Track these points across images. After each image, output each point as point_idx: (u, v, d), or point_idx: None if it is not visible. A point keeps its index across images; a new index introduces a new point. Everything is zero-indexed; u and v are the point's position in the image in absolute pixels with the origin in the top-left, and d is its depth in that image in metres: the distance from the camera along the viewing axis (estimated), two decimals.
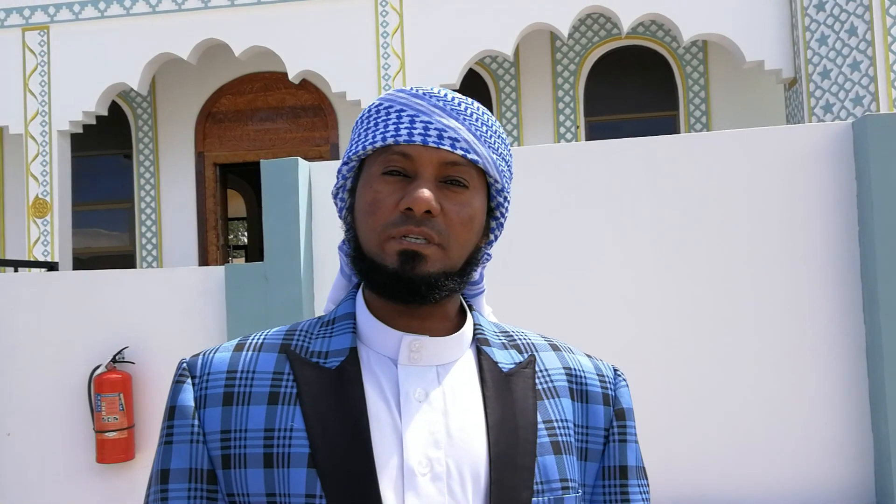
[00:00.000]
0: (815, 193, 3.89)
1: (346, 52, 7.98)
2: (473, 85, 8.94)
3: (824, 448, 3.85)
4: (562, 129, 8.99)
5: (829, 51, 7.11)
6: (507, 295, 4.02)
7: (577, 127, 8.96)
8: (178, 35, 8.21)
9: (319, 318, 0.98)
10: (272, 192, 4.01)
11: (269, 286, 3.97)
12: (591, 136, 9.02)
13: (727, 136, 4.01)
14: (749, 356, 3.90)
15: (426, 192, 0.86)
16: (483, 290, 1.05)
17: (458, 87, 7.97)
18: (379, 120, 0.92)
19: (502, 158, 0.96)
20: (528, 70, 9.09)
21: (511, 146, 8.90)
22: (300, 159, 4.02)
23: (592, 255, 4.00)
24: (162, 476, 0.88)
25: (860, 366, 3.86)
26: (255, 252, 12.29)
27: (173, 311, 4.21)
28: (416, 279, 0.87)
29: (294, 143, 9.41)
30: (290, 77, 8.17)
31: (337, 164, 4.19)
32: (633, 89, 9.05)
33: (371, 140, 0.92)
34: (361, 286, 0.97)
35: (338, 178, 0.98)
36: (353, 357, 0.91)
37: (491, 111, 8.96)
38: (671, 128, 8.85)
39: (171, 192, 9.61)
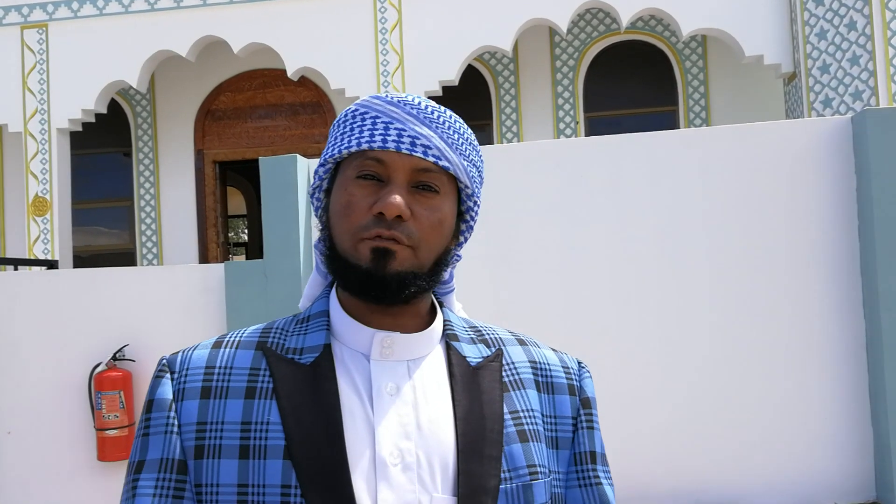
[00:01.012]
0: (814, 188, 3.89)
1: (345, 48, 7.97)
2: (473, 81, 8.93)
3: (824, 443, 3.85)
4: (561, 125, 8.98)
5: (828, 45, 7.11)
6: (508, 290, 4.02)
7: (577, 123, 8.95)
8: (177, 32, 8.21)
9: (295, 315, 1.02)
10: (271, 189, 4.00)
11: (268, 283, 3.97)
12: (590, 131, 9.01)
13: (727, 131, 4.01)
14: (748, 351, 3.90)
15: (397, 198, 0.90)
16: (453, 289, 1.09)
17: (457, 84, 7.97)
18: (355, 125, 0.96)
19: (473, 165, 0.99)
20: (528, 66, 9.08)
21: (510, 142, 8.89)
22: (299, 156, 4.02)
23: (593, 251, 4.00)
24: (136, 467, 0.91)
25: (860, 360, 3.86)
26: (255, 249, 12.29)
27: (173, 309, 4.21)
28: (387, 277, 0.91)
29: (293, 140, 9.40)
30: (289, 74, 8.16)
31: None
32: (633, 84, 9.04)
33: (347, 144, 0.95)
34: (335, 284, 1.02)
35: (314, 178, 1.02)
36: (327, 353, 0.94)
37: (490, 107, 8.99)
38: (671, 123, 8.84)
39: (170, 189, 9.60)
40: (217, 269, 4.18)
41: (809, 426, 3.86)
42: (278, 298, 3.95)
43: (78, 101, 8.34)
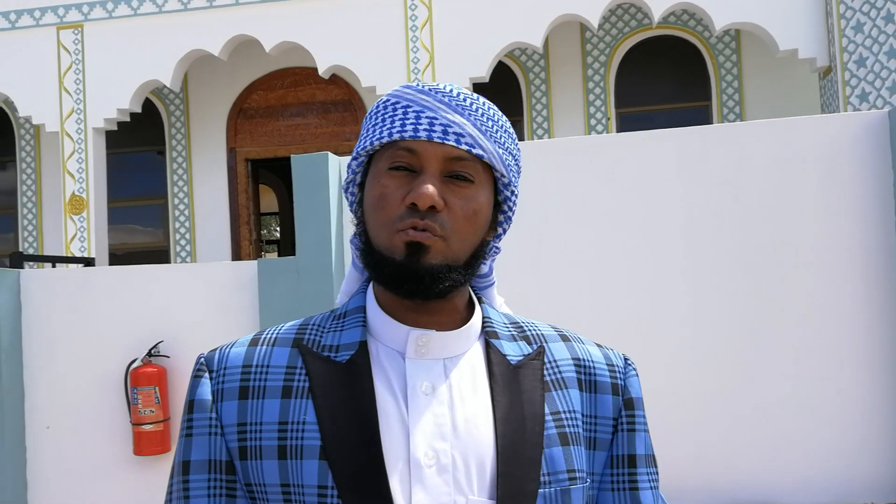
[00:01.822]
0: (850, 184, 3.83)
1: (376, 46, 7.99)
2: (503, 77, 8.91)
3: (860, 441, 3.80)
4: (592, 121, 8.94)
5: (864, 38, 6.99)
6: (538, 287, 4.01)
7: (608, 119, 8.90)
8: (210, 32, 8.29)
9: (332, 311, 1.01)
10: (303, 186, 4.03)
11: (300, 280, 4.00)
12: (621, 127, 8.96)
13: (760, 126, 3.96)
14: (781, 349, 3.86)
15: (430, 188, 0.88)
16: (493, 283, 1.07)
17: (487, 80, 7.96)
18: (386, 116, 0.94)
19: (509, 153, 0.97)
20: (558, 62, 9.04)
21: (541, 138, 8.85)
22: (330, 154, 4.04)
23: (624, 248, 3.98)
24: (183, 468, 0.91)
25: (895, 359, 3.80)
26: (287, 246, 12.38)
27: (207, 305, 4.26)
28: (420, 271, 0.89)
29: (324, 137, 9.46)
30: (320, 72, 8.21)
31: None
32: (665, 80, 8.97)
33: (378, 136, 0.94)
34: (372, 280, 0.99)
35: (347, 172, 1.01)
36: (362, 351, 0.93)
37: (521, 103, 8.97)
38: (704, 118, 8.76)
39: (203, 187, 9.70)
40: (250, 266, 4.22)
41: (845, 424, 3.81)
42: (310, 295, 3.98)
43: (113, 101, 8.45)
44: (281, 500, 0.87)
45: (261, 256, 10.20)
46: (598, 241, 4.00)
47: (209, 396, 0.93)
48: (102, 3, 8.49)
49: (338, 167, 4.14)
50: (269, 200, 13.85)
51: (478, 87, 8.09)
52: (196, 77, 9.64)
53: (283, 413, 0.90)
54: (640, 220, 3.98)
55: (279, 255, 14.33)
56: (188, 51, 8.32)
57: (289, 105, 9.60)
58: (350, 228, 4.12)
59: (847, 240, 3.83)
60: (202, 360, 0.97)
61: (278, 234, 17.21)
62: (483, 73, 7.81)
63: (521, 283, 3.98)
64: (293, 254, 4.14)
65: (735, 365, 3.88)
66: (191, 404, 0.94)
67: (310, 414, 0.89)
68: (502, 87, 8.87)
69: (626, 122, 8.99)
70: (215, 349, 0.98)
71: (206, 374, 0.95)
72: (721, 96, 8.74)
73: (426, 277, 0.89)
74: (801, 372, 3.84)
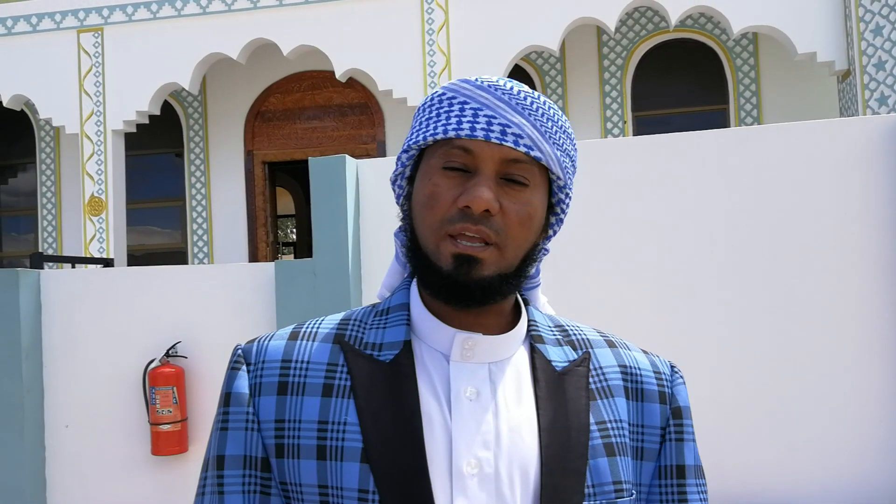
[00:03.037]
0: (869, 188, 3.81)
1: (392, 49, 8.02)
2: (519, 80, 8.90)
3: (880, 445, 3.77)
4: (609, 125, 8.92)
5: (884, 41, 6.95)
6: (555, 292, 4.02)
7: (625, 122, 8.89)
8: (228, 35, 8.34)
9: (373, 306, 0.97)
10: (320, 189, 4.05)
11: (317, 282, 4.02)
12: (638, 131, 8.94)
13: (779, 129, 3.95)
14: (801, 353, 3.84)
15: (486, 192, 0.84)
16: (538, 284, 1.05)
17: None
18: (441, 111, 0.90)
19: (566, 154, 0.93)
20: (575, 65, 9.04)
21: None
22: (347, 157, 4.06)
23: (641, 252, 3.97)
24: (218, 462, 0.88)
25: None
26: (303, 249, 12.42)
27: (224, 306, 4.28)
28: (470, 283, 0.85)
29: (341, 140, 9.49)
30: (338, 75, 8.24)
31: (384, 160, 4.22)
32: (682, 83, 8.95)
33: (433, 131, 0.90)
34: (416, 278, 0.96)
35: (397, 164, 0.97)
36: (406, 351, 0.90)
37: None
38: (721, 122, 8.73)
39: (221, 189, 9.76)
40: (267, 268, 4.24)
41: (865, 427, 3.78)
42: (327, 297, 4.00)
43: (132, 103, 8.52)
44: (317, 502, 0.84)
45: (277, 258, 10.25)
46: (616, 245, 3.99)
47: (246, 390, 0.90)
48: (122, 7, 8.57)
49: (355, 170, 4.16)
50: (285, 203, 13.91)
51: None
52: (214, 80, 9.70)
53: (323, 412, 0.87)
54: (656, 223, 3.97)
55: (295, 258, 14.39)
56: (206, 54, 8.38)
57: (306, 108, 9.64)
58: (367, 231, 4.14)
59: (866, 244, 3.81)
60: (239, 351, 0.94)
61: (294, 237, 17.27)
62: (500, 76, 7.80)
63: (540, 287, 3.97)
64: (309, 256, 4.15)
65: (753, 369, 3.87)
66: (227, 397, 0.91)
67: (351, 414, 0.86)
68: None
69: (643, 126, 8.98)
70: (253, 340, 0.95)
71: (244, 367, 0.92)
72: (738, 100, 8.71)
73: (477, 291, 0.86)
74: (820, 376, 3.82)
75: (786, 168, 3.88)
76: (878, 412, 3.79)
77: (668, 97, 8.95)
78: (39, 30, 8.74)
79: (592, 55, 9.00)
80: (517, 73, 8.83)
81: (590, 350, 0.97)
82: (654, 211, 3.98)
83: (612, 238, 4.00)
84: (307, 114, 9.64)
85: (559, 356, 0.94)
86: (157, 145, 9.97)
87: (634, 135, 8.78)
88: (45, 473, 4.47)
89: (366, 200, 4.17)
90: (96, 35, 8.63)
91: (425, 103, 0.94)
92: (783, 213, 3.88)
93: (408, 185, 0.96)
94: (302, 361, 0.91)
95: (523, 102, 0.89)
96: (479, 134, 0.86)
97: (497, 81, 0.90)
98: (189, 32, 8.41)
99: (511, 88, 0.90)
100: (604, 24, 7.76)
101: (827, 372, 3.82)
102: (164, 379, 4.19)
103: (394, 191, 0.99)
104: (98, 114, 8.56)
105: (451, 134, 0.87)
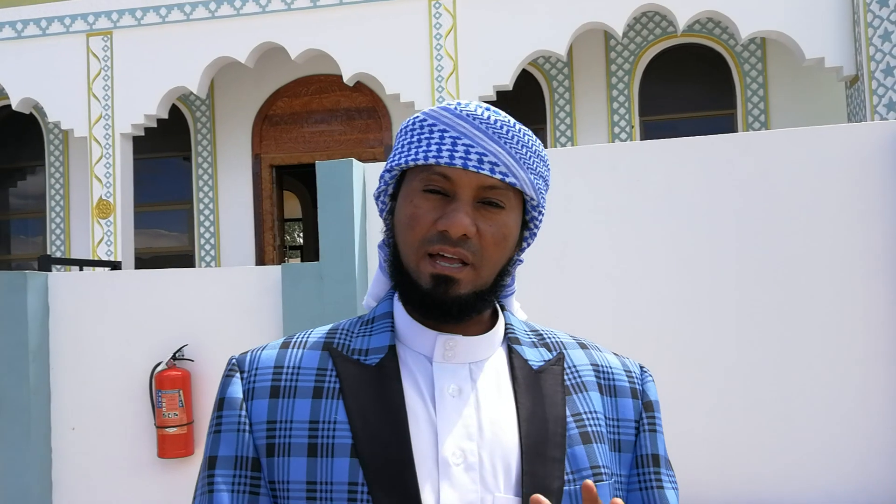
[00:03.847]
0: (877, 193, 3.80)
1: (400, 54, 8.03)
2: (526, 85, 8.92)
3: (887, 451, 3.76)
4: (616, 129, 8.92)
5: (892, 47, 6.93)
6: (561, 295, 4.01)
7: (632, 127, 8.88)
8: (236, 39, 8.37)
9: (360, 317, 1.04)
10: (327, 192, 4.06)
11: (324, 285, 4.03)
12: (646, 135, 8.93)
13: (786, 134, 3.95)
14: (808, 358, 3.83)
15: (464, 218, 0.90)
16: (513, 292, 1.09)
17: (511, 88, 7.96)
18: (422, 136, 0.95)
19: (540, 176, 0.99)
20: (582, 70, 9.04)
21: (564, 146, 8.84)
22: (354, 160, 4.07)
23: (648, 256, 3.97)
24: (210, 462, 0.94)
25: None
26: (310, 253, 12.44)
27: (231, 310, 4.29)
28: (448, 301, 0.92)
29: (348, 144, 9.51)
30: (345, 79, 8.26)
31: None
32: (690, 88, 8.94)
33: (414, 156, 0.95)
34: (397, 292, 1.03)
35: (380, 182, 1.03)
36: (391, 354, 0.96)
37: (544, 111, 8.96)
38: (728, 127, 8.72)
39: (228, 193, 9.79)
40: (274, 271, 4.25)
41: (873, 432, 3.77)
42: (334, 300, 4.00)
43: (141, 107, 8.55)
44: (304, 499, 0.89)
45: (284, 262, 10.26)
46: (622, 250, 3.99)
47: (240, 395, 0.96)
48: (131, 11, 8.60)
49: (362, 174, 4.16)
50: (292, 206, 13.93)
51: (501, 95, 8.10)
52: (222, 84, 9.73)
53: (314, 412, 0.92)
54: (664, 228, 3.96)
55: (302, 261, 14.41)
56: (215, 58, 8.41)
57: (313, 112, 9.67)
58: (373, 234, 4.14)
59: (874, 250, 3.80)
60: (234, 361, 1.00)
61: (301, 241, 17.30)
62: (507, 80, 7.82)
63: (545, 292, 3.98)
64: (316, 259, 4.16)
65: (759, 374, 3.86)
66: (221, 402, 0.97)
67: (340, 413, 0.91)
68: (526, 94, 8.89)
69: (650, 131, 8.97)
70: (246, 352, 1.01)
71: (238, 374, 0.98)
72: (746, 105, 8.69)
73: (454, 308, 0.92)
74: (826, 381, 3.80)
75: (794, 173, 3.88)
76: (886, 417, 3.77)
77: (676, 102, 8.94)
78: (49, 33, 8.78)
79: (600, 60, 9.00)
80: (525, 77, 8.84)
81: (563, 351, 1.04)
82: (663, 215, 3.97)
83: (620, 242, 4.00)
84: (315, 117, 9.66)
85: (535, 356, 1.00)
86: (165, 149, 10.00)
87: (642, 139, 8.78)
88: (52, 475, 4.48)
89: (372, 204, 4.18)
90: (105, 39, 8.67)
91: (407, 126, 0.99)
92: (791, 218, 3.87)
93: (391, 201, 1.02)
94: (293, 367, 0.97)
95: (499, 131, 0.94)
96: (458, 162, 0.92)
97: (475, 110, 0.95)
98: (197, 36, 8.44)
99: (488, 118, 0.94)
100: (612, 28, 7.76)
101: (835, 376, 3.81)
102: (171, 382, 4.20)
103: (377, 205, 1.05)
104: (106, 117, 8.60)
105: (432, 161, 0.93)
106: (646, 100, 8.98)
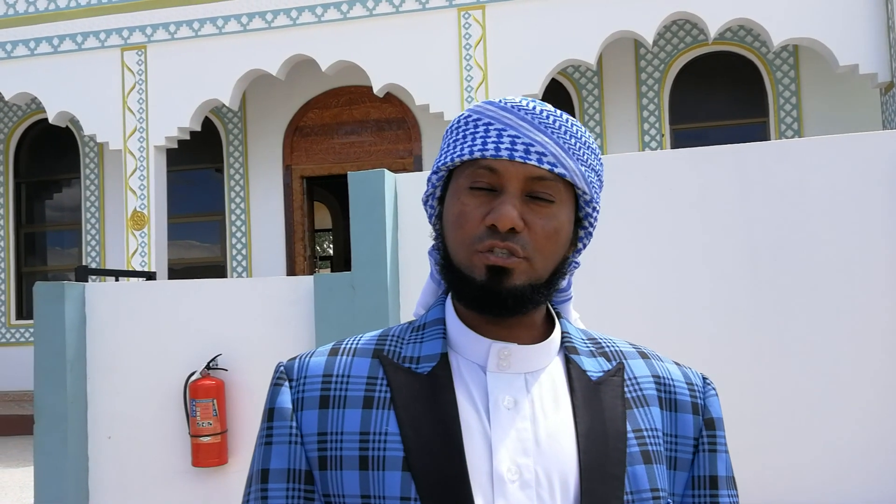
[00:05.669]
0: None
1: (430, 65, 8.06)
2: (555, 94, 8.91)
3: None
4: (646, 138, 8.87)
5: None
6: (594, 305, 3.99)
7: (662, 135, 8.83)
8: (268, 52, 8.46)
9: (410, 323, 1.00)
10: (359, 203, 4.07)
11: (356, 295, 4.04)
12: (676, 144, 8.88)
13: (820, 142, 3.90)
14: (846, 367, 3.77)
15: (511, 210, 0.87)
16: (570, 297, 1.07)
17: (540, 97, 7.96)
18: (467, 132, 0.93)
19: (592, 170, 0.95)
20: (612, 78, 9.01)
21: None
22: (386, 171, 4.09)
23: (681, 266, 3.94)
24: (262, 475, 0.91)
25: None
26: (339, 263, 12.49)
27: (264, 320, 4.32)
28: (503, 292, 0.88)
29: (379, 155, 9.56)
30: (375, 90, 8.30)
31: (423, 174, 4.24)
32: (721, 96, 8.88)
33: (459, 153, 0.93)
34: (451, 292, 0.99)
35: (427, 186, 1.00)
36: (444, 363, 0.92)
37: None
38: (761, 135, 8.64)
39: (260, 204, 9.87)
40: (306, 282, 4.27)
41: (884, 432, 3.70)
42: (366, 310, 4.01)
43: (174, 120, 8.66)
44: None
45: (315, 272, 10.32)
46: (654, 259, 3.96)
47: (289, 405, 0.93)
48: (165, 26, 8.73)
49: (393, 184, 4.18)
50: (322, 217, 14.02)
51: None
52: (254, 96, 9.83)
53: (364, 423, 0.89)
54: (697, 237, 3.94)
55: (332, 272, 14.48)
56: (247, 70, 8.50)
57: (344, 123, 9.73)
58: (406, 244, 4.16)
59: None
60: (282, 368, 0.97)
61: (331, 251, 17.38)
62: (536, 90, 7.82)
63: (575, 302, 3.95)
64: (346, 270, 4.18)
65: (795, 383, 3.81)
66: (270, 412, 0.94)
67: (392, 425, 0.88)
68: (555, 104, 8.86)
69: (681, 139, 8.92)
70: (294, 358, 0.98)
71: (287, 383, 0.95)
72: (779, 112, 8.61)
73: (510, 299, 0.88)
74: (865, 389, 3.75)
75: (828, 181, 3.83)
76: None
77: (706, 110, 8.88)
78: (84, 48, 8.93)
79: (630, 68, 8.97)
80: (554, 87, 8.83)
81: (623, 361, 0.99)
82: (694, 224, 3.94)
83: (651, 252, 3.98)
84: (345, 129, 9.73)
85: (594, 366, 0.96)
86: (198, 161, 10.12)
87: (672, 148, 8.72)
88: (88, 483, 4.53)
89: (404, 214, 4.19)
90: (140, 53, 8.80)
91: (452, 126, 0.97)
92: (826, 227, 3.82)
93: (438, 204, 1.00)
94: (342, 376, 0.93)
95: (546, 121, 0.92)
96: (504, 154, 0.89)
97: (520, 102, 0.93)
98: (230, 49, 8.54)
99: (534, 108, 0.92)
100: (641, 37, 7.73)
101: (874, 386, 3.75)
102: (205, 391, 4.23)
103: (426, 210, 1.03)
104: (141, 130, 8.72)
105: (477, 154, 0.91)
106: (676, 108, 8.93)
